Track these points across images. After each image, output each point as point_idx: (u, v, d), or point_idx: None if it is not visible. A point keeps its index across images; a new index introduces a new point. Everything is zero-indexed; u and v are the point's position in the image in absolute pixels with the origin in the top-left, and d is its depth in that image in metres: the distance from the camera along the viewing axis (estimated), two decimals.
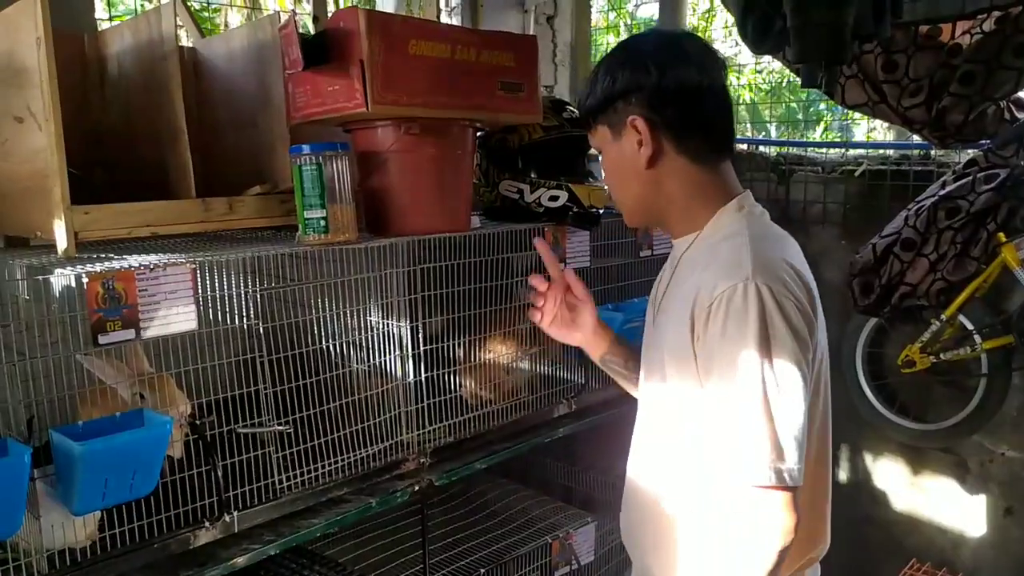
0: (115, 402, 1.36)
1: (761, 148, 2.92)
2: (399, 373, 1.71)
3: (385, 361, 1.69)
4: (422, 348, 1.74)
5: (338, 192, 1.58)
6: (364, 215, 1.73)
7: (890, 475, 2.72)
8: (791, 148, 2.90)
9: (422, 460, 1.73)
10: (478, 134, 1.89)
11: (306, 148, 1.56)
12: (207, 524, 1.39)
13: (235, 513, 1.43)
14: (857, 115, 3.95)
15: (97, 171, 1.78)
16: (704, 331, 1.14)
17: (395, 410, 1.69)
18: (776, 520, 1.09)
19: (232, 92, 1.85)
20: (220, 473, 1.39)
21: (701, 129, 1.23)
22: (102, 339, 1.24)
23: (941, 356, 2.35)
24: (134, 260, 1.33)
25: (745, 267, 1.12)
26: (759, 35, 1.69)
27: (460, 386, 1.90)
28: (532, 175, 1.95)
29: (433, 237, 1.73)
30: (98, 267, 1.25)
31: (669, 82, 1.20)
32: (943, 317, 2.30)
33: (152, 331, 1.30)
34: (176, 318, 1.33)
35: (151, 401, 1.38)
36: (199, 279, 1.38)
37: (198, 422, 1.39)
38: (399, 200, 1.70)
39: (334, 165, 1.57)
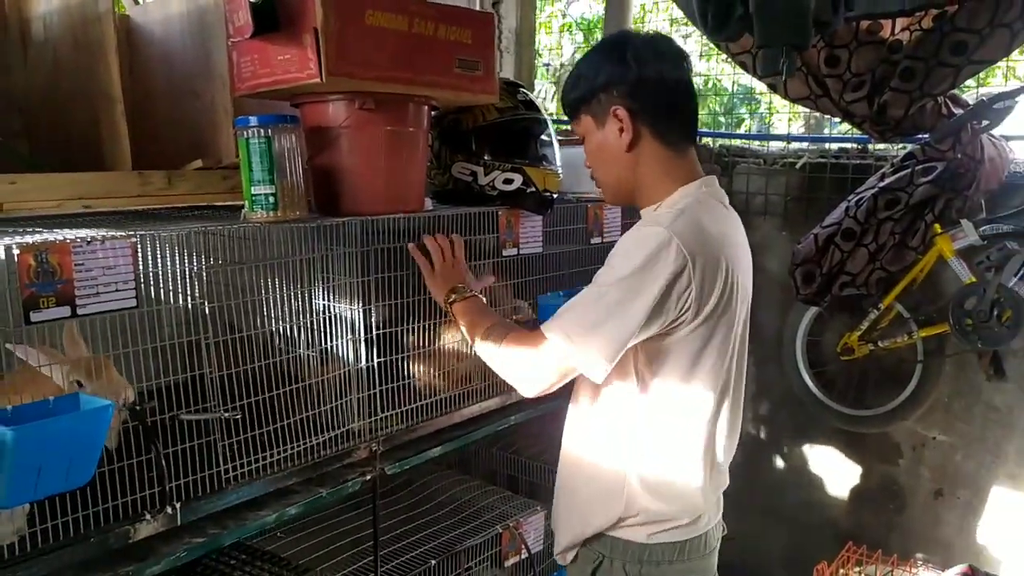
0: (47, 389, 1.26)
1: (705, 140, 2.95)
2: (351, 358, 1.64)
3: (336, 345, 1.62)
4: (374, 332, 1.67)
5: (288, 168, 1.51)
6: (313, 194, 1.65)
7: (828, 460, 2.80)
8: (733, 140, 2.94)
9: (374, 448, 1.67)
10: (432, 113, 1.83)
11: (253, 120, 1.47)
12: (148, 516, 1.30)
13: (178, 505, 1.34)
14: (776, 117, 4.05)
15: (21, 142, 1.65)
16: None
17: (346, 396, 1.62)
18: (541, 368, 1.38)
19: (170, 62, 1.75)
20: (162, 462, 1.30)
21: (673, 117, 1.39)
22: (34, 316, 1.14)
23: (879, 344, 2.41)
24: (69, 233, 1.23)
25: (667, 221, 1.30)
26: (719, 22, 1.70)
27: (411, 374, 1.84)
28: (486, 157, 1.91)
29: (386, 218, 1.67)
30: (29, 238, 1.15)
31: (647, 75, 1.35)
32: (881, 306, 2.37)
33: (89, 308, 1.20)
34: (115, 295, 1.23)
35: (90, 389, 1.27)
36: (140, 255, 1.28)
37: (138, 407, 1.29)
38: (351, 179, 1.64)
39: (283, 139, 1.50)
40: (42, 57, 1.65)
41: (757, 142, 2.94)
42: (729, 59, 2.51)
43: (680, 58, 1.40)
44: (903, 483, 2.64)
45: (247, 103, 1.66)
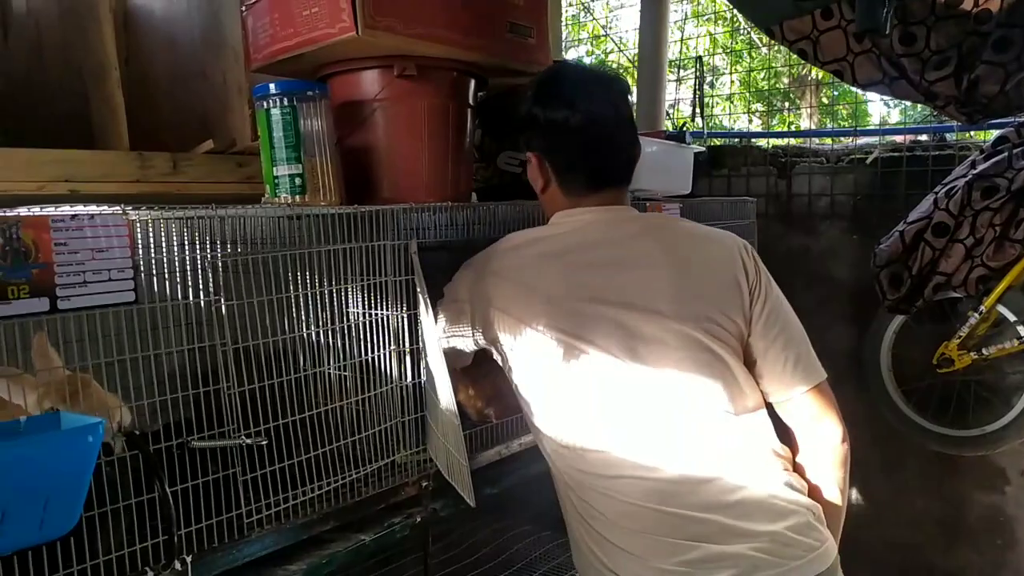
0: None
1: (758, 141, 2.70)
2: (395, 374, 1.35)
3: (376, 358, 1.34)
4: (422, 343, 1.39)
5: (317, 144, 1.26)
6: (343, 180, 1.39)
7: (918, 490, 2.49)
8: (790, 140, 2.70)
9: (424, 484, 1.38)
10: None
11: (274, 87, 1.24)
12: (151, 574, 1.01)
13: (188, 558, 1.05)
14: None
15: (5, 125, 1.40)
16: None
17: (390, 420, 1.34)
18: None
19: (173, 40, 1.52)
20: (169, 502, 1.01)
21: (573, 166, 1.26)
22: (2, 309, 0.87)
23: (983, 352, 2.13)
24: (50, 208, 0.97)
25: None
26: None
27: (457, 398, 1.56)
28: None
29: (430, 207, 1.39)
30: None
31: (543, 120, 1.25)
32: (982, 308, 2.09)
33: (74, 302, 0.93)
34: (107, 287, 0.96)
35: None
36: (139, 242, 1.02)
37: (137, 432, 1.01)
38: (389, 161, 1.40)
39: (311, 110, 1.25)
40: (24, 31, 1.42)
41: (818, 140, 2.69)
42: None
43: (583, 93, 1.23)
44: (1012, 514, 2.32)
45: (263, 80, 1.42)
